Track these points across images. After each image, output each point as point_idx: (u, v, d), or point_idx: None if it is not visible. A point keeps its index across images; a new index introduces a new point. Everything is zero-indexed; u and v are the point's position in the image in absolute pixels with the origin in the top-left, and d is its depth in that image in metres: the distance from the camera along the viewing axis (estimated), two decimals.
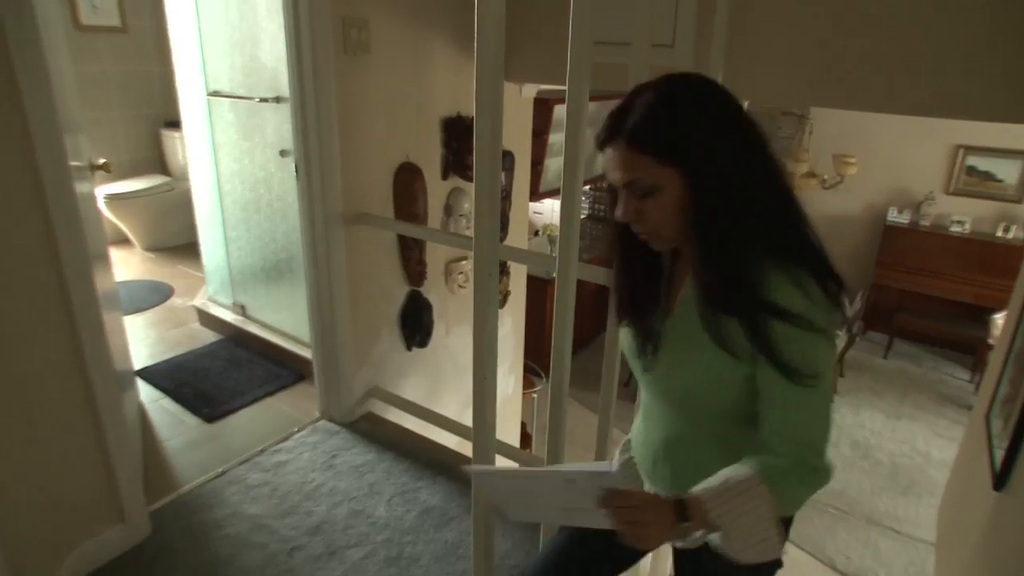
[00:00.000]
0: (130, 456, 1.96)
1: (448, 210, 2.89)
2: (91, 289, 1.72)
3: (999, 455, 1.84)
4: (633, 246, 1.03)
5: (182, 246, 4.60)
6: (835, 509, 3.83)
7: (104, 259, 2.21)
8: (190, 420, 2.64)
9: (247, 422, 2.67)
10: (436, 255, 2.89)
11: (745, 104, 2.47)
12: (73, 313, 1.69)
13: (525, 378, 4.00)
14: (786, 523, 1.11)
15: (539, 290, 4.48)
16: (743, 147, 0.89)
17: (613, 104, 0.95)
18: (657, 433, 1.12)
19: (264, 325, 3.26)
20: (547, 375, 4.07)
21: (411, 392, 2.90)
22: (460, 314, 3.10)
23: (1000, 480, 1.79)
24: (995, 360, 2.41)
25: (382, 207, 2.58)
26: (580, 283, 1.51)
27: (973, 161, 5.35)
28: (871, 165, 5.45)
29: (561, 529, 1.30)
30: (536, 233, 5.86)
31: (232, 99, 2.97)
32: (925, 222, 5.58)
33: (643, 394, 1.16)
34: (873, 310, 5.73)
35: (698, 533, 0.93)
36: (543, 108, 3.55)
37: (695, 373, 0.97)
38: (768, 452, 0.93)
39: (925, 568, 3.39)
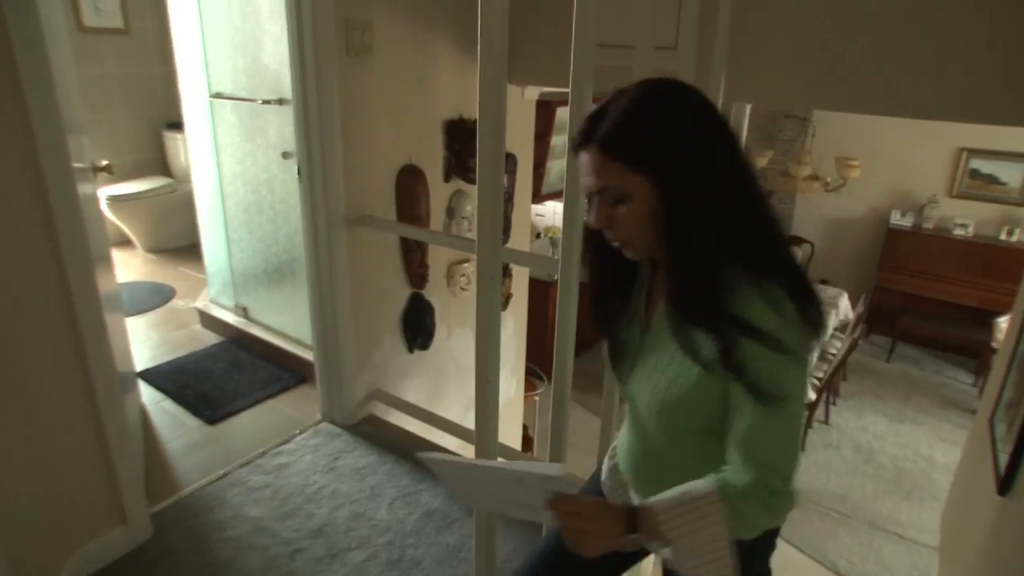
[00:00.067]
0: (131, 458, 1.96)
1: (450, 212, 2.89)
2: (93, 290, 1.72)
3: (1003, 459, 1.83)
4: (606, 253, 1.00)
5: (184, 248, 4.61)
6: (838, 513, 3.82)
7: (106, 260, 2.21)
8: (191, 422, 2.64)
9: (248, 424, 2.67)
10: (438, 257, 2.89)
11: (747, 107, 2.47)
12: (75, 314, 1.69)
13: (527, 381, 3.99)
14: (764, 544, 1.10)
15: (541, 292, 4.47)
16: (717, 159, 0.87)
17: None
18: (638, 444, 1.11)
19: (266, 327, 3.26)
20: (549, 378, 4.07)
21: (413, 395, 2.90)
22: (462, 316, 3.10)
23: (1004, 485, 1.78)
24: (999, 364, 2.40)
25: (384, 209, 2.58)
26: (582, 285, 1.50)
27: (976, 164, 5.34)
28: (874, 168, 5.44)
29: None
30: (538, 235, 5.86)
31: (235, 101, 2.97)
32: (928, 225, 5.57)
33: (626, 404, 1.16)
34: (876, 313, 5.71)
35: (667, 551, 0.92)
36: (545, 110, 3.55)
37: (671, 388, 0.95)
38: (732, 470, 0.91)
39: (928, 573, 3.37)
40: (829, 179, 4.77)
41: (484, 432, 1.51)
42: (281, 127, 2.79)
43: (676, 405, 0.95)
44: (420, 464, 2.43)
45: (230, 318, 3.38)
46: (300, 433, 2.60)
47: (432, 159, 2.72)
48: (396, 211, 2.63)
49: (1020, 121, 1.82)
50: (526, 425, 4.11)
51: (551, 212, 5.83)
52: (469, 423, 1.99)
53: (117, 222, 4.41)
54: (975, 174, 5.37)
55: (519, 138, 3.26)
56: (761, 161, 4.93)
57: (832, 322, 4.78)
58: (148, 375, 2.95)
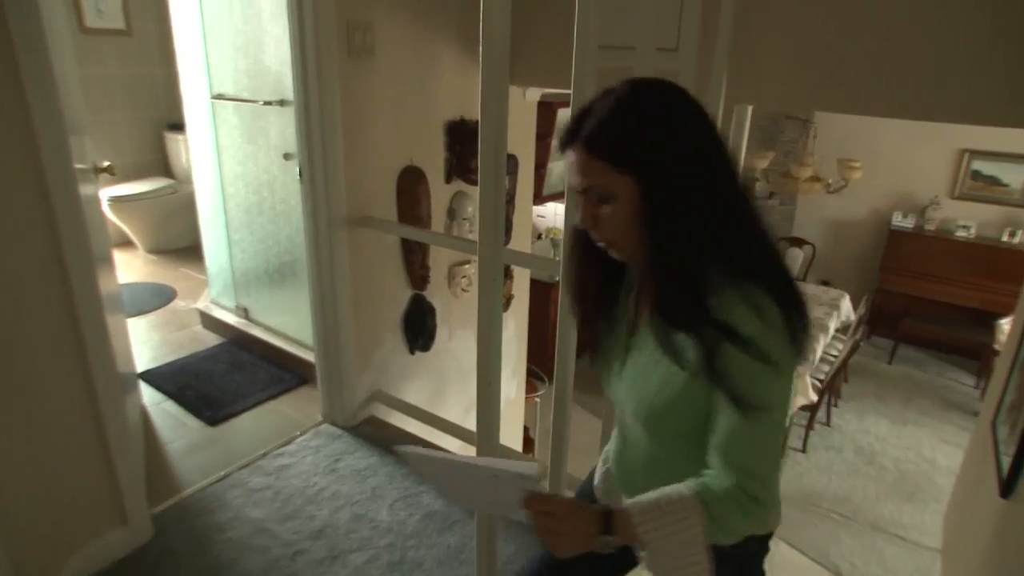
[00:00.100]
0: (132, 458, 1.96)
1: (451, 214, 2.89)
2: (95, 291, 1.72)
3: (1006, 462, 1.83)
4: (592, 253, 0.99)
5: (185, 248, 4.61)
6: (839, 515, 3.81)
7: (108, 261, 2.21)
8: (192, 423, 2.64)
9: (249, 425, 2.67)
10: (439, 259, 2.89)
11: (749, 109, 2.47)
12: (77, 315, 1.69)
13: (528, 382, 3.99)
14: (757, 549, 1.08)
15: (542, 294, 4.47)
16: (702, 160, 0.86)
17: None
18: (628, 450, 1.10)
19: (267, 328, 3.26)
20: (550, 379, 4.06)
21: (414, 396, 2.89)
22: (463, 318, 3.10)
23: (1007, 487, 1.77)
24: (1001, 366, 2.39)
25: (385, 210, 2.58)
26: None
27: (978, 165, 5.33)
28: (876, 169, 5.44)
29: None
30: (539, 237, 5.86)
31: (236, 102, 2.98)
32: (930, 227, 5.56)
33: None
34: (878, 315, 5.70)
35: (643, 555, 0.91)
36: (547, 112, 3.55)
37: (659, 392, 0.94)
38: (712, 474, 0.90)
39: (931, 575, 3.36)
40: (831, 180, 4.77)
41: (486, 433, 1.51)
42: (282, 128, 2.79)
43: (664, 409, 0.94)
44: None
45: (231, 319, 3.38)
46: (301, 434, 2.60)
47: (433, 160, 2.72)
48: (397, 212, 2.63)
49: (1021, 123, 1.82)
50: (527, 426, 4.11)
51: (552, 213, 5.83)
52: (470, 424, 1.99)
53: (118, 223, 4.42)
54: (977, 175, 5.36)
55: (520, 139, 3.26)
56: (762, 162, 4.93)
57: (833, 324, 4.77)
58: (149, 376, 2.95)
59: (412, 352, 2.89)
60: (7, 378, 1.60)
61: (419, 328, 2.85)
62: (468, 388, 3.17)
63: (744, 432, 0.86)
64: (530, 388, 4.10)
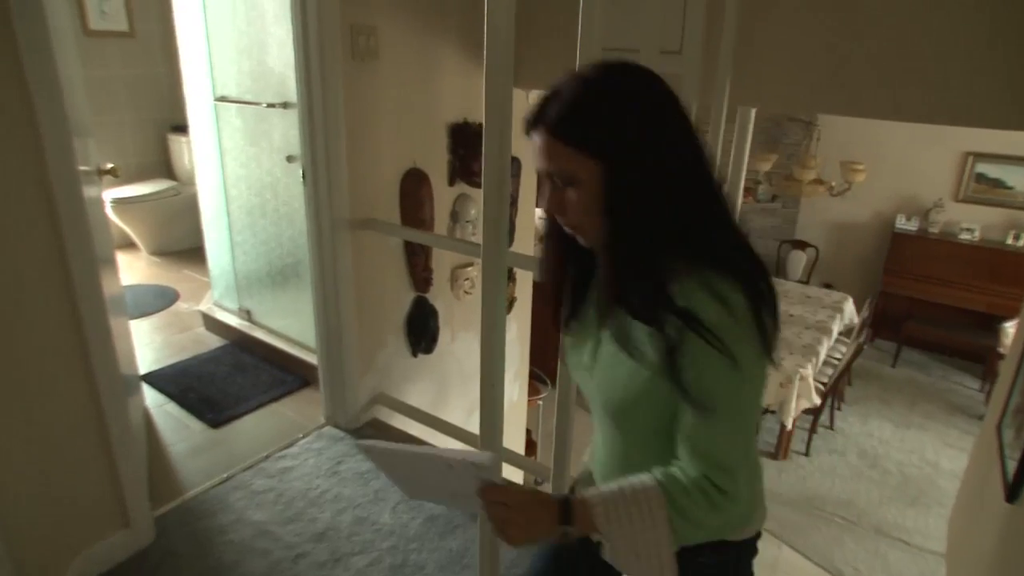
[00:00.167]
0: (135, 461, 1.96)
1: (454, 216, 2.89)
2: (98, 293, 1.72)
3: (1011, 466, 1.82)
4: (562, 241, 0.97)
5: (188, 250, 4.61)
6: (843, 519, 3.79)
7: (111, 263, 2.21)
8: (195, 425, 2.64)
9: (252, 428, 2.66)
10: (442, 261, 2.89)
11: (752, 111, 2.47)
12: (80, 316, 1.69)
13: (530, 385, 3.98)
14: (745, 550, 1.05)
15: (545, 296, 4.46)
16: (668, 147, 0.84)
17: None
18: (603, 449, 1.07)
19: (269, 330, 3.26)
20: (553, 382, 4.06)
21: (416, 398, 2.89)
22: (466, 320, 3.10)
23: (1012, 492, 1.76)
24: (1006, 369, 2.38)
25: (388, 213, 2.57)
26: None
27: (983, 168, 5.32)
28: (879, 172, 5.42)
29: None
30: (542, 239, 5.85)
31: (239, 104, 2.98)
32: (934, 229, 5.55)
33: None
34: (881, 318, 5.68)
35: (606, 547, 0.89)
36: None
37: (625, 385, 0.92)
38: (678, 465, 0.88)
39: None
40: (834, 183, 4.76)
41: (489, 436, 1.50)
42: (285, 130, 2.79)
43: (632, 404, 0.92)
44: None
45: (233, 321, 3.38)
46: (303, 437, 2.60)
47: (436, 163, 2.72)
48: (400, 215, 2.62)
49: (1022, 125, 1.81)
50: (529, 429, 4.10)
51: None
52: (472, 427, 1.99)
53: (121, 225, 4.42)
54: (981, 178, 5.35)
55: (524, 142, 3.25)
56: (765, 165, 4.92)
57: (836, 327, 4.76)
58: (151, 378, 2.95)
59: (415, 354, 2.88)
60: (11, 379, 1.60)
61: (422, 330, 2.85)
62: (471, 391, 3.16)
63: (708, 425, 0.84)
64: (532, 391, 4.09)
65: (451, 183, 2.83)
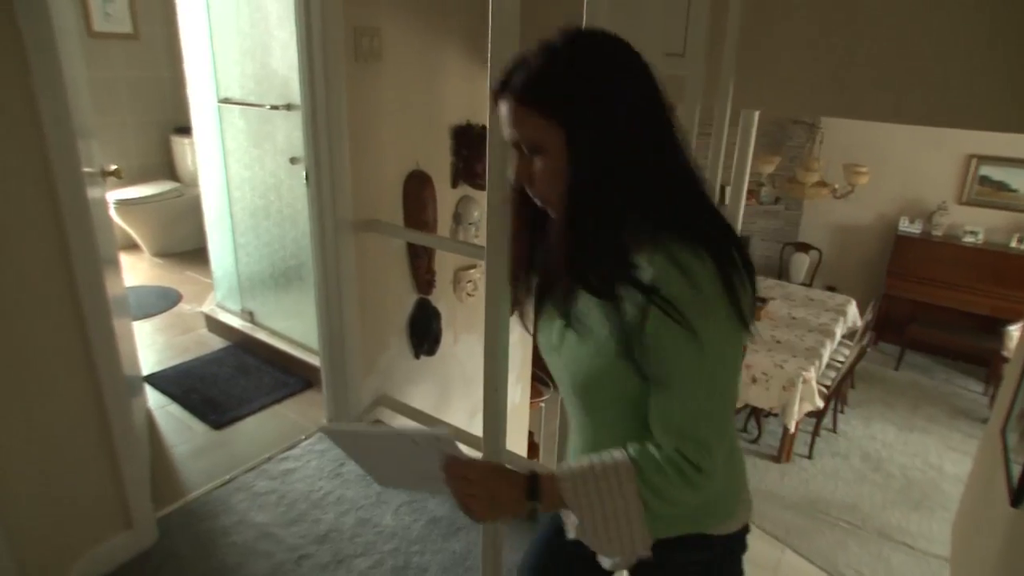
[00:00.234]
0: (138, 462, 1.96)
1: (457, 218, 2.89)
2: (102, 294, 1.72)
3: (1016, 470, 1.81)
4: (530, 215, 0.94)
5: (191, 252, 4.62)
6: (846, 523, 3.78)
7: (114, 264, 2.21)
8: (197, 427, 2.64)
9: (254, 429, 2.66)
10: (445, 263, 2.89)
11: (756, 114, 2.47)
12: (84, 317, 1.69)
13: (532, 387, 3.98)
14: (732, 545, 1.02)
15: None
16: (634, 113, 0.82)
17: None
18: (576, 435, 1.04)
19: (272, 332, 3.26)
20: (555, 384, 4.05)
21: (419, 400, 2.89)
22: (469, 322, 3.09)
23: (1017, 496, 1.75)
24: (1011, 373, 2.37)
25: (391, 215, 2.57)
26: None
27: (986, 171, 5.31)
28: (883, 174, 5.41)
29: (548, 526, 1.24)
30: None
31: (243, 106, 2.98)
32: (937, 232, 5.53)
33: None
34: (884, 321, 5.67)
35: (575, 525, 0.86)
36: None
37: (590, 362, 0.88)
38: (652, 440, 0.85)
39: None
40: (837, 186, 4.75)
41: (492, 438, 1.50)
42: (289, 132, 2.80)
43: (596, 380, 0.89)
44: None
45: (236, 322, 3.38)
46: (306, 438, 2.60)
47: (440, 165, 2.72)
48: (403, 216, 2.62)
49: (1021, 128, 1.81)
50: (532, 431, 4.10)
51: None
52: (475, 429, 1.98)
53: (124, 226, 4.43)
54: (985, 181, 5.33)
55: None
56: (768, 168, 4.92)
57: (839, 330, 4.75)
58: (154, 379, 2.95)
59: (417, 356, 2.88)
60: (14, 379, 1.60)
61: (424, 332, 2.85)
62: (473, 392, 3.16)
63: (679, 398, 0.82)
64: (535, 393, 4.08)
65: (454, 185, 2.83)
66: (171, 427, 2.63)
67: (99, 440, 1.81)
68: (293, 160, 2.80)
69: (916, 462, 4.41)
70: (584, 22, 1.25)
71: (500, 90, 0.87)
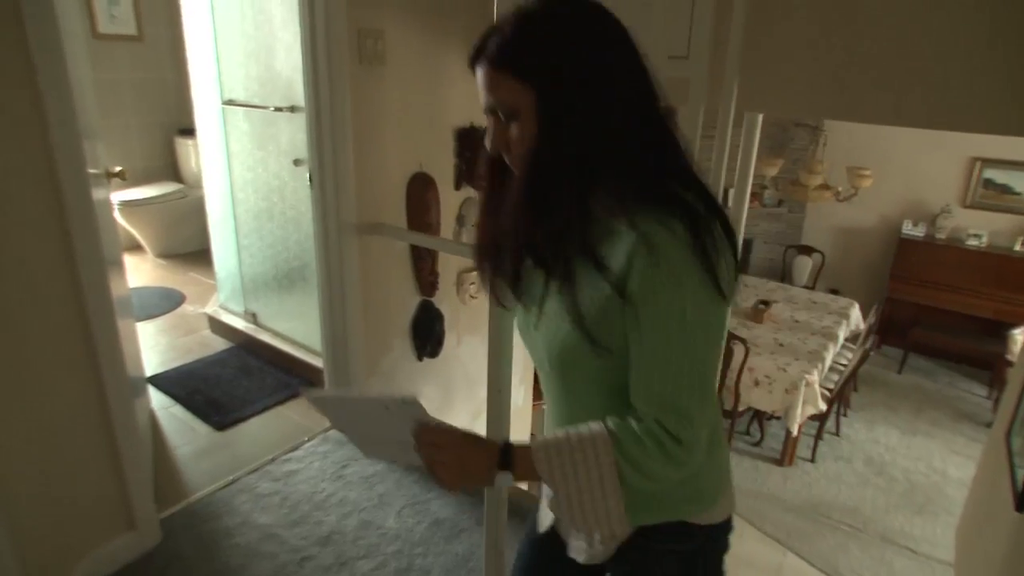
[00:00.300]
0: (141, 463, 1.96)
1: (461, 220, 2.89)
2: (106, 295, 1.72)
3: (1021, 475, 1.81)
4: (504, 183, 0.91)
5: (194, 253, 4.63)
6: (849, 526, 3.77)
7: (118, 265, 2.21)
8: (200, 428, 2.64)
9: (257, 430, 2.67)
10: (448, 265, 2.89)
11: (759, 117, 2.46)
12: (88, 318, 1.69)
13: (535, 389, 3.97)
14: (713, 542, 0.99)
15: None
16: (607, 76, 0.80)
17: None
18: (551, 410, 1.02)
19: (275, 333, 3.26)
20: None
21: (422, 402, 2.88)
22: (471, 324, 3.09)
23: (1022, 501, 1.75)
24: (1015, 377, 2.37)
25: (395, 217, 2.58)
26: None
27: (990, 174, 5.29)
28: (886, 177, 5.40)
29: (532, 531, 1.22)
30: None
31: (247, 108, 2.99)
32: (941, 235, 5.52)
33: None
34: (887, 324, 5.66)
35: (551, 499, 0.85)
36: None
37: (568, 333, 0.86)
38: (632, 415, 0.83)
39: None
40: (840, 188, 4.74)
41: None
42: (293, 134, 2.80)
43: (572, 350, 0.87)
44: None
45: (239, 324, 3.39)
46: (309, 440, 2.60)
47: (443, 167, 2.73)
48: (407, 219, 2.63)
49: (1021, 131, 1.80)
50: (534, 433, 4.09)
51: None
52: (478, 431, 1.98)
53: (128, 227, 4.44)
54: (989, 184, 5.32)
55: None
56: (771, 170, 4.91)
57: (842, 333, 4.74)
58: (157, 380, 2.95)
59: (420, 358, 2.88)
60: (18, 380, 1.60)
61: (427, 334, 2.85)
62: (476, 394, 3.16)
63: (662, 363, 0.80)
64: (537, 395, 4.08)
65: (457, 187, 2.83)
66: (174, 428, 2.63)
67: (102, 441, 1.82)
68: (297, 162, 2.81)
69: (919, 466, 4.39)
70: None
71: (476, 57, 0.86)
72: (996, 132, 1.88)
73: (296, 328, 3.17)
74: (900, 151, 5.52)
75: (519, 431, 3.70)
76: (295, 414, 2.79)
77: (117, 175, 2.14)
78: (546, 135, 0.81)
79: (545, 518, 1.10)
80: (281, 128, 2.86)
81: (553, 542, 1.09)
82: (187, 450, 2.50)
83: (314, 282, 2.59)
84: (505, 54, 0.82)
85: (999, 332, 4.99)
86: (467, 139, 2.75)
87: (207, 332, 3.51)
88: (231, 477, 2.35)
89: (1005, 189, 5.28)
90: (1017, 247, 5.26)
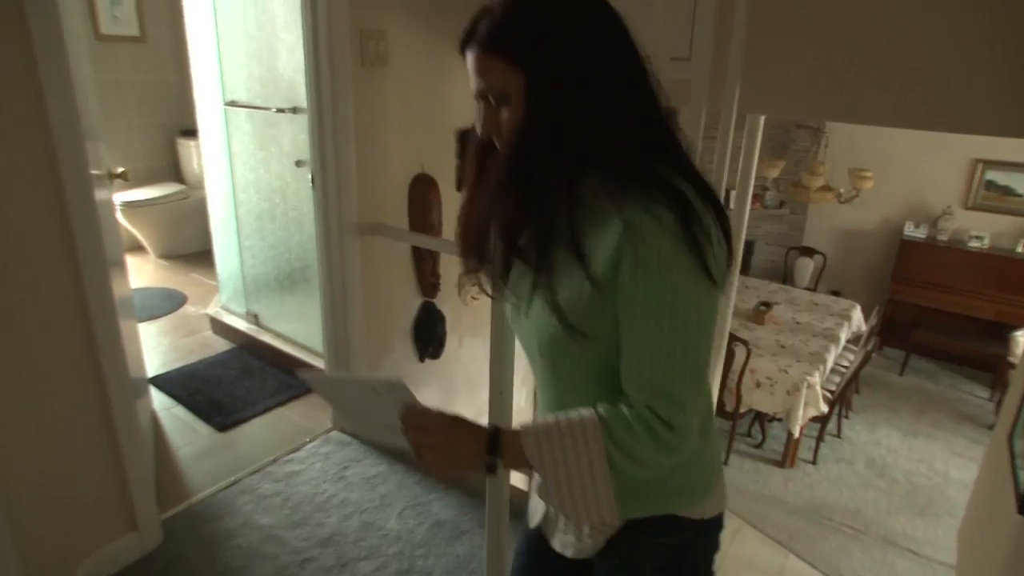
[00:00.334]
0: (143, 464, 1.96)
1: None
2: (108, 296, 1.72)
3: (1023, 477, 1.80)
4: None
5: (196, 254, 4.63)
6: (850, 528, 3.76)
7: (120, 266, 2.22)
8: (202, 429, 2.64)
9: (259, 431, 2.67)
10: (450, 266, 2.89)
11: (761, 119, 2.46)
12: (90, 318, 1.70)
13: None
14: (702, 541, 0.98)
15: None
16: (597, 60, 0.79)
17: None
18: (543, 403, 1.01)
19: (277, 334, 3.27)
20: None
21: (424, 404, 2.88)
22: (473, 326, 3.09)
23: None
24: (1017, 379, 2.36)
25: (397, 218, 2.58)
26: None
27: (992, 175, 5.29)
28: (887, 179, 5.40)
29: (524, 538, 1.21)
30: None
31: (249, 109, 2.99)
32: (942, 237, 5.52)
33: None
34: (889, 326, 5.65)
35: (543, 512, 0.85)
36: None
37: (555, 327, 0.85)
38: (623, 402, 0.82)
39: None
40: (842, 190, 4.74)
41: None
42: (295, 135, 2.81)
43: (560, 343, 0.86)
44: (430, 474, 2.42)
45: (241, 325, 3.39)
46: (310, 441, 2.60)
47: (445, 168, 2.73)
48: (408, 219, 2.63)
49: (1021, 132, 1.80)
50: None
51: None
52: None
53: (130, 228, 4.44)
54: (991, 185, 5.32)
55: None
56: (773, 172, 4.91)
57: (844, 335, 4.73)
58: (159, 381, 2.95)
59: (422, 360, 2.88)
60: (21, 381, 1.60)
61: (429, 336, 2.85)
62: (477, 396, 3.16)
63: (652, 349, 0.79)
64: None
65: (459, 188, 2.83)
66: (176, 429, 2.64)
67: (104, 441, 1.82)
68: (299, 163, 2.81)
69: (921, 468, 4.38)
70: None
71: (466, 41, 0.86)
72: (996, 134, 1.88)
73: (298, 329, 3.17)
74: (901, 153, 5.51)
75: None
76: (297, 415, 2.79)
77: (119, 176, 2.14)
78: (533, 116, 0.80)
79: (535, 511, 1.10)
80: (283, 129, 2.86)
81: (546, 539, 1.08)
82: (189, 451, 2.50)
83: (316, 283, 2.59)
84: (495, 37, 0.81)
85: (1001, 334, 4.99)
86: (469, 140, 2.75)
87: (209, 333, 3.52)
88: (233, 478, 2.35)
89: (1007, 191, 5.27)
90: (1019, 249, 5.25)
